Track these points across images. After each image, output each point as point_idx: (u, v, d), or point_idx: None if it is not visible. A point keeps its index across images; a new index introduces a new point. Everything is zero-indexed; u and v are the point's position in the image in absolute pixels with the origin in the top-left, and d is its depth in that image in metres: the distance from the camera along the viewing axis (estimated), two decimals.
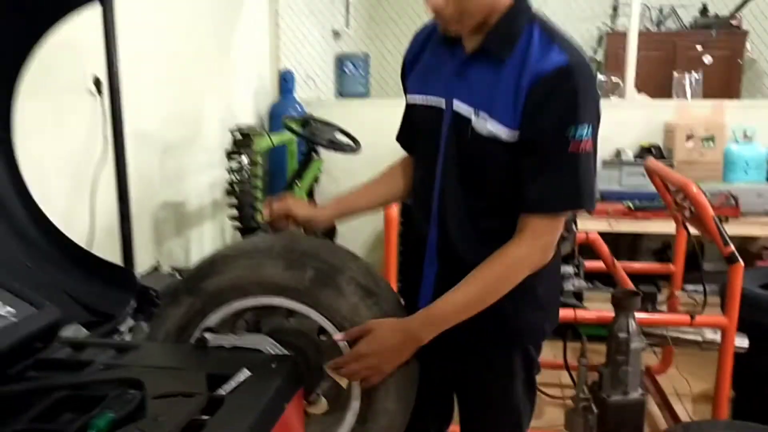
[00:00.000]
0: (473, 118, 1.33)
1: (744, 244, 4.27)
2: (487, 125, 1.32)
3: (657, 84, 4.70)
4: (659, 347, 2.86)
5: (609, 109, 4.12)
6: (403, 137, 1.64)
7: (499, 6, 1.30)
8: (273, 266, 1.45)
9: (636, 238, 4.17)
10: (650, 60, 5.22)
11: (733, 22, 5.34)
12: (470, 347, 1.51)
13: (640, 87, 4.64)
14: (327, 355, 1.46)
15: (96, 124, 2.40)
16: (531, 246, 1.35)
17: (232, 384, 1.21)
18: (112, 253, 2.17)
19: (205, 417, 1.08)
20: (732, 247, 2.33)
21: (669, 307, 2.98)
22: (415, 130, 1.54)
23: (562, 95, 1.24)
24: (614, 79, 4.25)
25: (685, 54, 5.17)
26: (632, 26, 4.02)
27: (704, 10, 5.51)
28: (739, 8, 5.18)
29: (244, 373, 1.24)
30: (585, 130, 1.25)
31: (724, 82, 5.10)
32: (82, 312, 1.91)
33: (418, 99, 1.48)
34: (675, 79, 4.15)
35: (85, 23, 1.96)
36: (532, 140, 1.29)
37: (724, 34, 5.29)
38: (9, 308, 1.19)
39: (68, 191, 2.35)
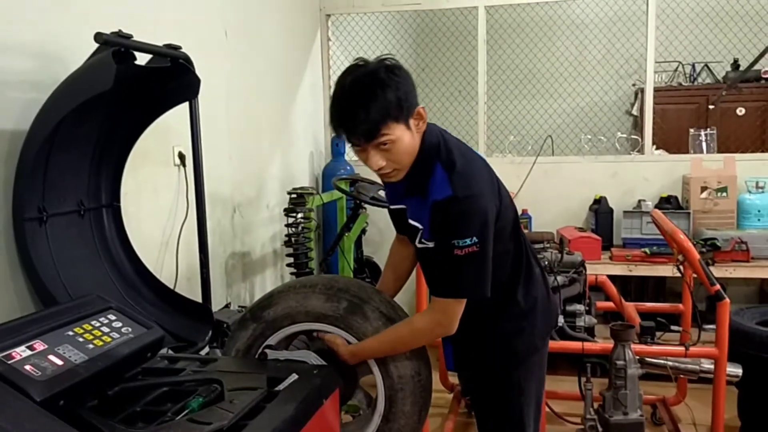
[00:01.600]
0: (420, 231, 1.81)
1: (765, 285, 4.52)
2: (423, 237, 1.80)
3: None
4: (671, 378, 3.11)
5: (631, 163, 4.53)
6: (398, 231, 2.11)
7: (416, 150, 1.76)
8: (316, 299, 1.92)
9: (660, 281, 4.44)
10: (683, 113, 5.58)
11: (765, 75, 5.64)
12: (478, 365, 1.99)
13: (671, 140, 4.96)
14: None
15: (180, 190, 2.92)
16: (431, 321, 1.82)
17: (284, 384, 1.66)
18: (193, 293, 2.66)
19: (264, 404, 1.54)
20: (718, 286, 2.63)
21: (681, 341, 3.26)
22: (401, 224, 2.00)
23: (447, 218, 1.70)
24: (633, 135, 4.58)
25: (717, 107, 5.49)
26: (648, 89, 4.33)
27: (736, 65, 5.82)
28: (758, 59, 5.48)
29: (293, 377, 1.70)
30: (466, 241, 1.68)
31: (759, 132, 5.40)
32: (170, 339, 2.40)
33: (393, 206, 1.96)
34: (691, 135, 4.45)
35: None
36: (436, 247, 1.76)
37: (755, 87, 5.61)
38: (128, 327, 1.65)
39: (160, 244, 2.83)
